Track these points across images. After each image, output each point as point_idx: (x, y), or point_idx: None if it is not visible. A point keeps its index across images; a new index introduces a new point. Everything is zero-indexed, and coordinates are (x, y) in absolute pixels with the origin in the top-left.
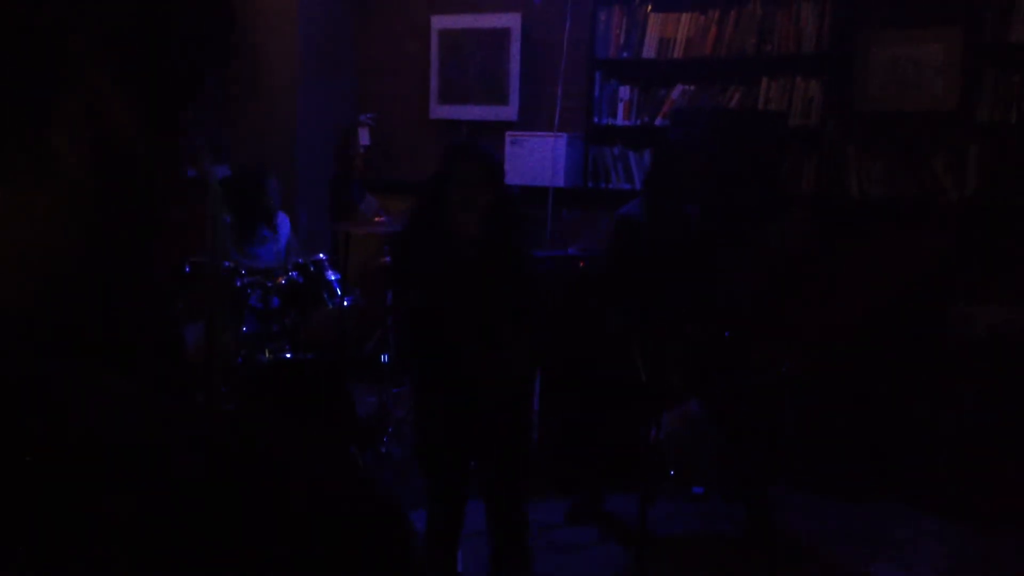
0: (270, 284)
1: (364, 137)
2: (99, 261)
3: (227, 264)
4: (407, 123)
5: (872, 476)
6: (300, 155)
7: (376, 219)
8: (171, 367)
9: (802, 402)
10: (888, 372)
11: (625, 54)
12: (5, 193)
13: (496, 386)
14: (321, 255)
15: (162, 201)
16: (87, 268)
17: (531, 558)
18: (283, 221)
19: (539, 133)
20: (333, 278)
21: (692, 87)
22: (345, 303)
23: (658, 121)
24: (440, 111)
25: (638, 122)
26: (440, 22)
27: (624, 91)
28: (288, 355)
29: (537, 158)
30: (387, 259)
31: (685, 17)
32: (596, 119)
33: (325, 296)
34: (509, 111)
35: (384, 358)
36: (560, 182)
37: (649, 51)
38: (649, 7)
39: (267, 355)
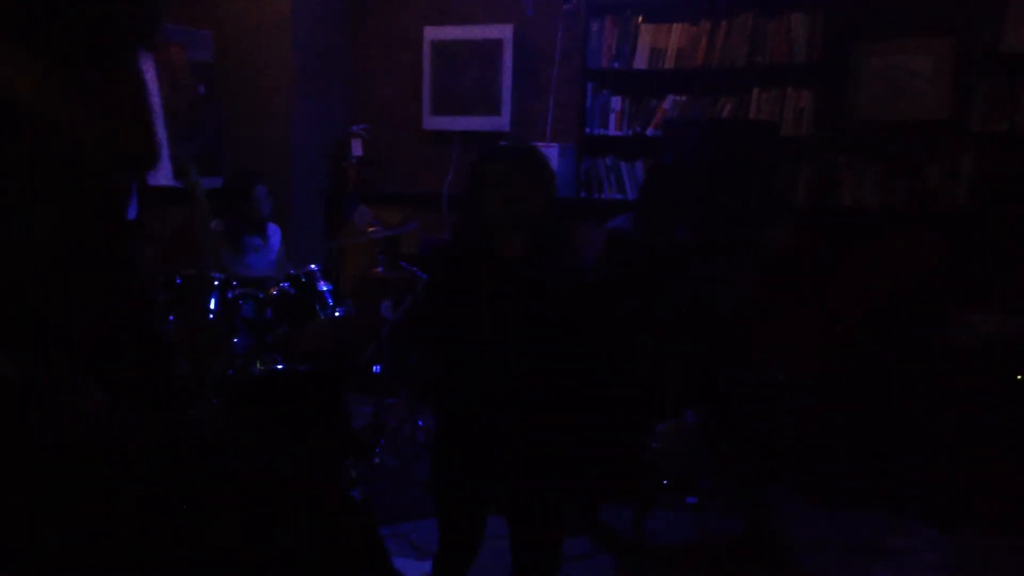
0: (262, 295)
1: (357, 148)
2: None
3: (218, 275)
4: (400, 134)
5: (869, 482)
6: (295, 166)
7: (369, 229)
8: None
9: (799, 409)
10: (884, 379)
11: (617, 64)
12: None
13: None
14: (313, 266)
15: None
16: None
17: None
18: (274, 231)
19: (531, 143)
20: (325, 289)
21: (683, 97)
22: (337, 314)
23: (649, 131)
24: (433, 122)
25: (630, 132)
26: (433, 33)
27: (616, 101)
28: (281, 366)
29: None
30: (379, 269)
31: (676, 28)
32: (588, 129)
33: (317, 307)
34: (501, 121)
35: (377, 369)
36: None
37: (641, 62)
38: (640, 18)
39: (259, 367)
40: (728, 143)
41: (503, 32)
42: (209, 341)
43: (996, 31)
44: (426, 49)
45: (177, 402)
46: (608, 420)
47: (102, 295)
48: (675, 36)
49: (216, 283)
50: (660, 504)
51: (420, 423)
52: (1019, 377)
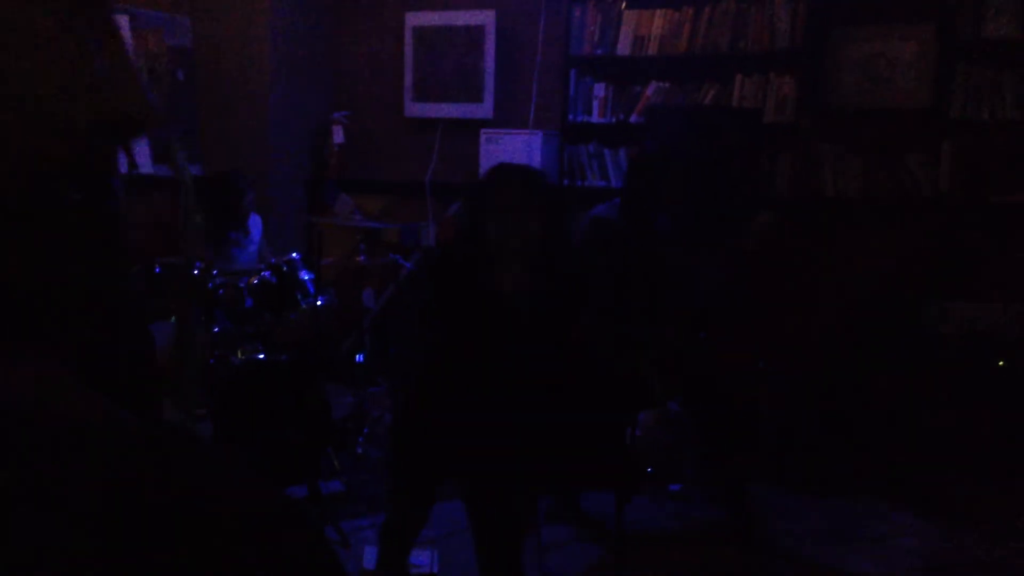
0: (242, 284)
1: (338, 135)
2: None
3: (199, 264)
4: (382, 121)
5: (849, 471)
6: (274, 154)
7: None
8: (141, 369)
9: (779, 399)
10: (864, 368)
11: (600, 51)
12: None
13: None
14: (294, 254)
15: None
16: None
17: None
18: (255, 223)
19: (514, 131)
20: (306, 277)
21: (667, 84)
22: (319, 302)
23: (633, 118)
24: (415, 109)
25: (613, 119)
26: (415, 19)
27: (599, 88)
28: (261, 356)
29: (512, 156)
30: (362, 258)
31: (659, 14)
32: (571, 116)
33: (298, 296)
34: (484, 108)
35: (359, 358)
36: None
37: (624, 48)
38: (624, 4)
39: (240, 356)
40: (711, 131)
41: (486, 18)
42: (191, 330)
43: (978, 18)
44: (408, 35)
45: (150, 389)
46: (590, 408)
47: (81, 270)
48: (658, 22)
49: (196, 272)
50: (642, 492)
51: None
52: (1000, 363)
